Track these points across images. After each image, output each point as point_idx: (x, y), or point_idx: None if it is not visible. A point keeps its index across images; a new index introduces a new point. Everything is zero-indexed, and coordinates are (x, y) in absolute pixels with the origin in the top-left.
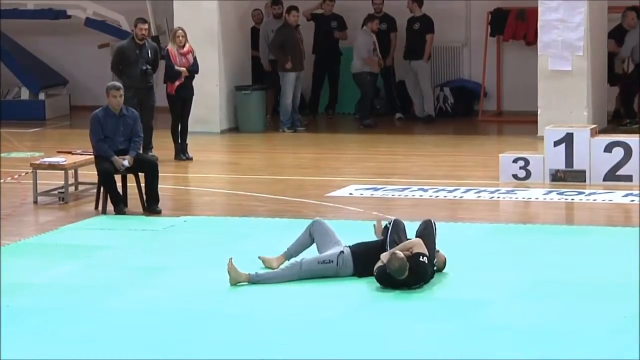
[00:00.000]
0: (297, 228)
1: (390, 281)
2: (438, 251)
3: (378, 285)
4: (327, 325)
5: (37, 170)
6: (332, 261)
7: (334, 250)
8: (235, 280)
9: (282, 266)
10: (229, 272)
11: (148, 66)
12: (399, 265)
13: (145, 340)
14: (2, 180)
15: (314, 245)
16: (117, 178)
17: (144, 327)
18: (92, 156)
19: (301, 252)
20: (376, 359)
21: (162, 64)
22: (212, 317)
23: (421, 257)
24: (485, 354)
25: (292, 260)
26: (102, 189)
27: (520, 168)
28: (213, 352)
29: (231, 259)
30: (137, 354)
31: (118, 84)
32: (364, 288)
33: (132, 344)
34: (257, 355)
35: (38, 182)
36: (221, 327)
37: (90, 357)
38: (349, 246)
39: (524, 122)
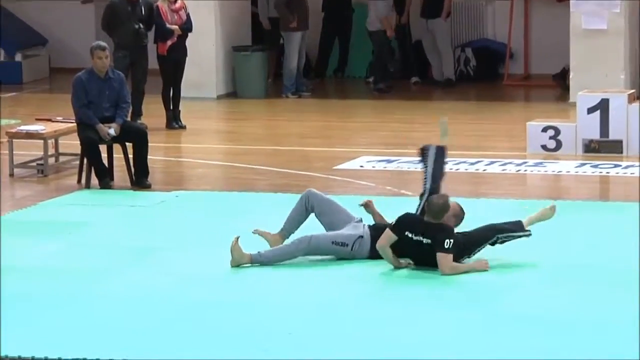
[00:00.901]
0: None
1: (411, 225)
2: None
3: (391, 267)
4: (337, 312)
5: (14, 140)
6: (347, 244)
7: (353, 232)
8: (238, 261)
9: (287, 242)
10: (232, 252)
11: (141, 25)
12: (442, 202)
13: (134, 330)
14: None
15: (312, 217)
16: (102, 148)
17: (133, 315)
18: (75, 124)
19: (298, 228)
20: (389, 349)
21: None
22: (208, 305)
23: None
24: (506, 344)
25: (299, 236)
26: (85, 160)
27: (550, 138)
28: (210, 343)
29: (237, 237)
30: (125, 346)
31: (103, 44)
32: (377, 271)
33: (119, 334)
34: (259, 347)
35: (14, 152)
36: (219, 315)
37: (74, 348)
38: (369, 226)
39: (554, 86)
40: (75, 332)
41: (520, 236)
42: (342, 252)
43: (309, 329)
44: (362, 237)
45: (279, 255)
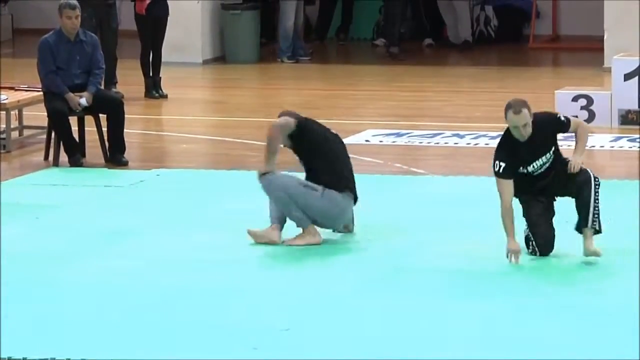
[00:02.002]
0: None
1: (515, 153)
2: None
3: (394, 259)
4: (338, 303)
5: None
6: (317, 190)
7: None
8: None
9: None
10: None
11: None
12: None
13: (107, 322)
14: None
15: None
16: (73, 121)
17: (106, 304)
18: (41, 93)
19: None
20: (396, 345)
21: None
22: (191, 294)
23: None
24: (529, 337)
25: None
26: (53, 134)
27: (582, 108)
28: (193, 338)
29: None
30: (97, 338)
31: (73, 2)
32: (382, 257)
33: (90, 325)
34: (248, 343)
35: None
36: (204, 305)
37: (40, 341)
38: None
39: (586, 49)
40: (39, 326)
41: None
42: (313, 196)
43: (305, 325)
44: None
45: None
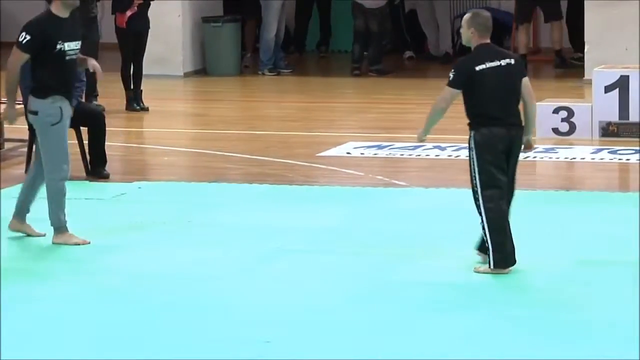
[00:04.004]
0: (280, 196)
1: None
2: None
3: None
4: (327, 316)
5: None
6: None
7: None
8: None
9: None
10: None
11: None
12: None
13: (87, 337)
14: None
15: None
16: None
17: (85, 320)
18: (22, 105)
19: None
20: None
21: None
22: (173, 309)
23: None
24: (517, 351)
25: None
26: (34, 147)
27: (563, 120)
28: (173, 353)
29: None
30: (76, 354)
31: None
32: (364, 270)
33: (69, 341)
34: (235, 357)
35: None
36: (186, 321)
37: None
38: None
39: (566, 62)
40: (15, 339)
41: None
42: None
43: (287, 338)
44: None
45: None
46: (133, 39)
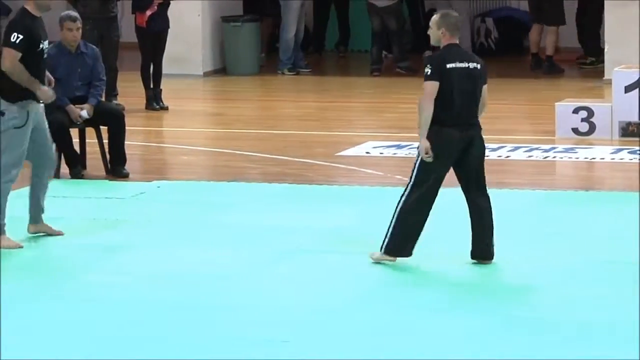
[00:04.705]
0: (299, 196)
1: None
2: None
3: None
4: (333, 316)
5: None
6: None
7: None
8: None
9: None
10: None
11: None
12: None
13: (99, 337)
14: None
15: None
16: (73, 132)
17: (101, 320)
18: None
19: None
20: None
21: None
22: (190, 309)
23: None
24: (526, 354)
25: None
26: (54, 146)
27: (582, 120)
28: (188, 352)
29: None
30: (86, 353)
31: (74, 14)
32: (379, 271)
33: (79, 340)
34: (245, 357)
35: None
36: (202, 320)
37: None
38: None
39: (586, 61)
40: (27, 338)
41: None
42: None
43: (306, 336)
44: None
45: None
46: (153, 39)
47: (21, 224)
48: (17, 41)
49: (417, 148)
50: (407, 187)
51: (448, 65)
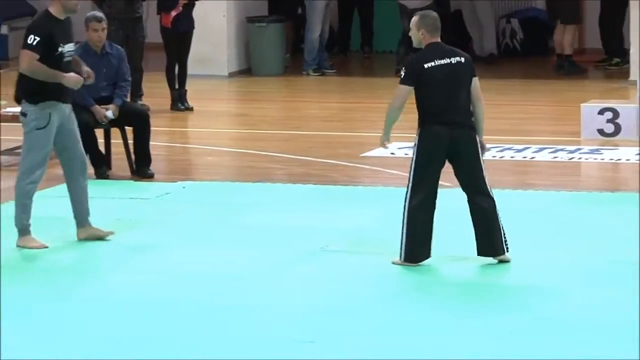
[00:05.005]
0: (323, 196)
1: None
2: None
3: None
4: (357, 316)
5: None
6: None
7: None
8: None
9: None
10: None
11: None
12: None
13: (127, 337)
14: None
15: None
16: (99, 133)
17: (126, 320)
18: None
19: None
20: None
21: None
22: (213, 309)
23: None
24: (549, 355)
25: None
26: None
27: (608, 121)
28: (212, 352)
29: None
30: (109, 353)
31: (100, 14)
32: (401, 272)
33: (110, 341)
34: (271, 357)
35: (0, 137)
36: (225, 320)
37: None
38: None
39: (612, 62)
40: (54, 338)
41: None
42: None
43: (330, 336)
44: None
45: None
46: (178, 39)
47: (48, 224)
48: (34, 43)
49: (413, 147)
50: (407, 190)
51: (426, 65)
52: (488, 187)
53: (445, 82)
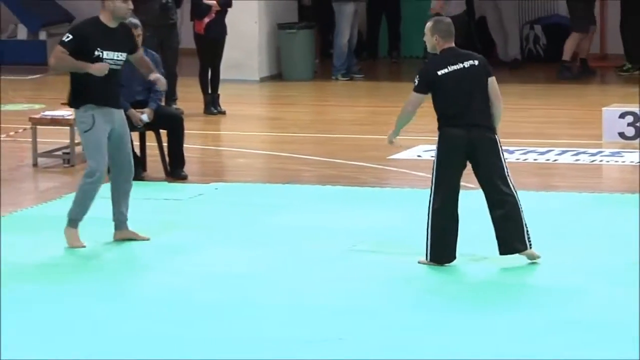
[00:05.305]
0: (352, 198)
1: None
2: None
3: (439, 268)
4: (386, 315)
5: (37, 126)
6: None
7: None
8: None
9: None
10: None
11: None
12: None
13: (161, 336)
14: None
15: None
16: (134, 136)
17: (159, 319)
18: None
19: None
20: (442, 356)
21: None
22: (244, 307)
23: None
24: (573, 354)
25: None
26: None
27: (629, 125)
28: (241, 351)
29: None
30: (150, 353)
31: (136, 21)
32: (429, 272)
33: (144, 341)
34: (293, 355)
35: (38, 140)
36: (258, 318)
37: (92, 356)
38: None
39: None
40: (90, 338)
41: None
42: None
43: (360, 333)
44: None
45: None
46: (211, 45)
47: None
48: (66, 40)
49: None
50: (430, 192)
51: (439, 72)
52: (510, 184)
53: (460, 87)
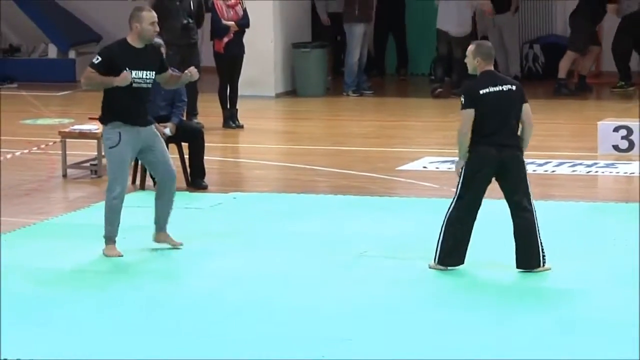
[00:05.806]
0: (362, 206)
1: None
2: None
3: (453, 275)
4: (394, 316)
5: (67, 140)
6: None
7: None
8: None
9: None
10: None
11: (190, 19)
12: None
13: (182, 337)
14: (19, 152)
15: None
16: None
17: (182, 321)
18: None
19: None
20: (452, 356)
21: (208, 17)
22: (262, 309)
23: None
24: (577, 352)
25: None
26: (140, 161)
27: (622, 138)
28: (260, 350)
29: None
30: (174, 353)
31: (159, 40)
32: (436, 276)
33: (167, 341)
34: (315, 353)
35: (67, 152)
36: (272, 321)
37: (119, 357)
38: None
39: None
40: (116, 340)
41: None
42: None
43: (368, 335)
44: None
45: None
46: (229, 63)
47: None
48: (95, 62)
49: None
50: (452, 200)
51: (481, 92)
52: (531, 203)
53: (497, 108)
